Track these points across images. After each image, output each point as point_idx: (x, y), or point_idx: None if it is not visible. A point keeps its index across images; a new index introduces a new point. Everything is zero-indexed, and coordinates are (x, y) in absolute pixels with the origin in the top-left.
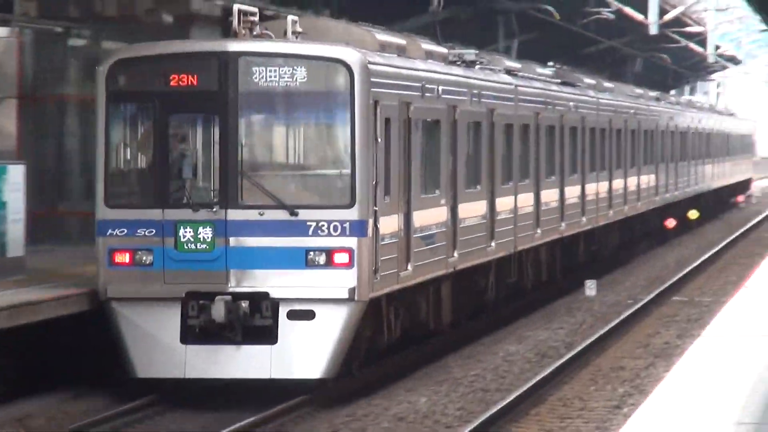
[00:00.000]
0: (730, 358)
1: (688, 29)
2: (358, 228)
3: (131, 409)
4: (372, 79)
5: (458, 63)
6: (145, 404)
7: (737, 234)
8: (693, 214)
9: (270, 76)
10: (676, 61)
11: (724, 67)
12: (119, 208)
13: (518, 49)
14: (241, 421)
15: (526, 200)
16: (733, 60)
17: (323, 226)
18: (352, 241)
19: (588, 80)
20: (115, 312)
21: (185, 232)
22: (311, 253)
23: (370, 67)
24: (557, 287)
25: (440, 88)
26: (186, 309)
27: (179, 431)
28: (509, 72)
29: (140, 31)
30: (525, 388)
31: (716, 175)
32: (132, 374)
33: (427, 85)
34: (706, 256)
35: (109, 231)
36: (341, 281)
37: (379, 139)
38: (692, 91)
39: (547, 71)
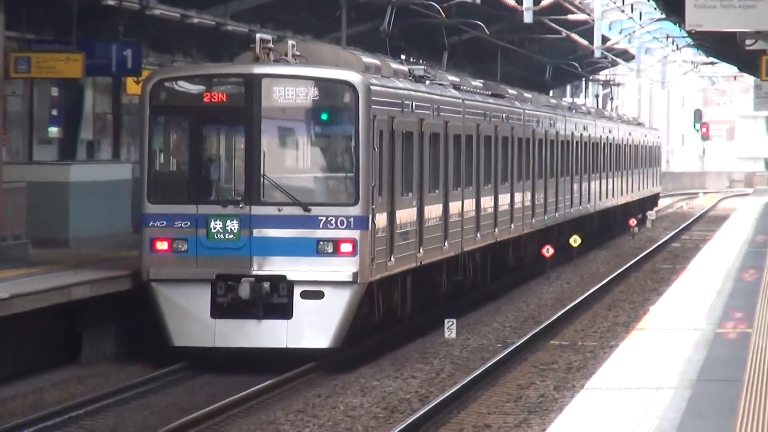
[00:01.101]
0: (616, 415)
1: (570, 17)
2: (360, 222)
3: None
4: (372, 98)
5: (410, 78)
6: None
7: (629, 265)
8: (575, 240)
9: (288, 95)
10: (556, 56)
11: (614, 64)
12: (160, 203)
13: (358, 38)
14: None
15: (470, 206)
16: (625, 55)
17: (331, 220)
18: (355, 234)
19: (512, 91)
20: (156, 291)
21: (215, 224)
22: (321, 242)
23: (371, 87)
24: (410, 326)
25: (413, 104)
26: (215, 288)
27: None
28: (455, 86)
29: None
30: None
31: (627, 188)
32: (169, 343)
33: (405, 102)
34: (591, 291)
35: (151, 222)
36: (346, 267)
37: (376, 148)
38: (575, 92)
39: (478, 83)
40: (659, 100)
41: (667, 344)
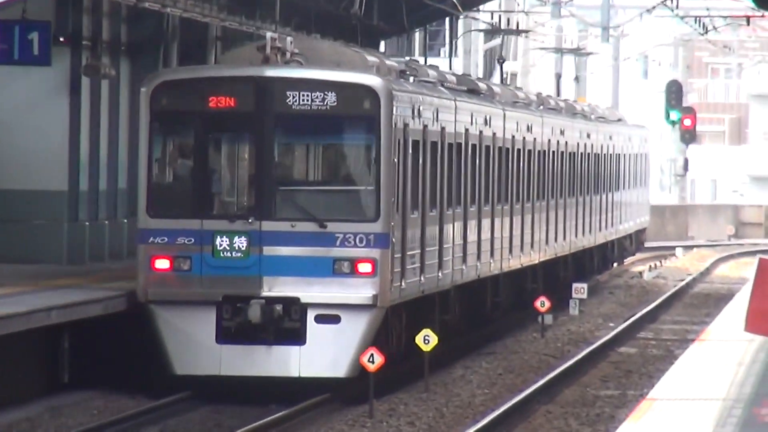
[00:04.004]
0: None
1: None
2: (381, 240)
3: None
4: (393, 104)
5: (397, 76)
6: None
7: (533, 389)
8: (426, 342)
9: (303, 100)
10: None
11: None
12: (160, 217)
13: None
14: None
15: (458, 229)
16: None
17: (349, 237)
18: (375, 252)
19: (482, 84)
20: (155, 313)
21: (222, 240)
22: (338, 262)
23: (393, 93)
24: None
25: (420, 108)
26: (221, 311)
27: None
28: (443, 84)
29: None
30: None
31: (606, 220)
32: (170, 371)
33: (415, 106)
34: None
35: (151, 238)
36: (365, 289)
37: (395, 159)
38: (428, 44)
39: (452, 77)
40: (598, 63)
41: None
